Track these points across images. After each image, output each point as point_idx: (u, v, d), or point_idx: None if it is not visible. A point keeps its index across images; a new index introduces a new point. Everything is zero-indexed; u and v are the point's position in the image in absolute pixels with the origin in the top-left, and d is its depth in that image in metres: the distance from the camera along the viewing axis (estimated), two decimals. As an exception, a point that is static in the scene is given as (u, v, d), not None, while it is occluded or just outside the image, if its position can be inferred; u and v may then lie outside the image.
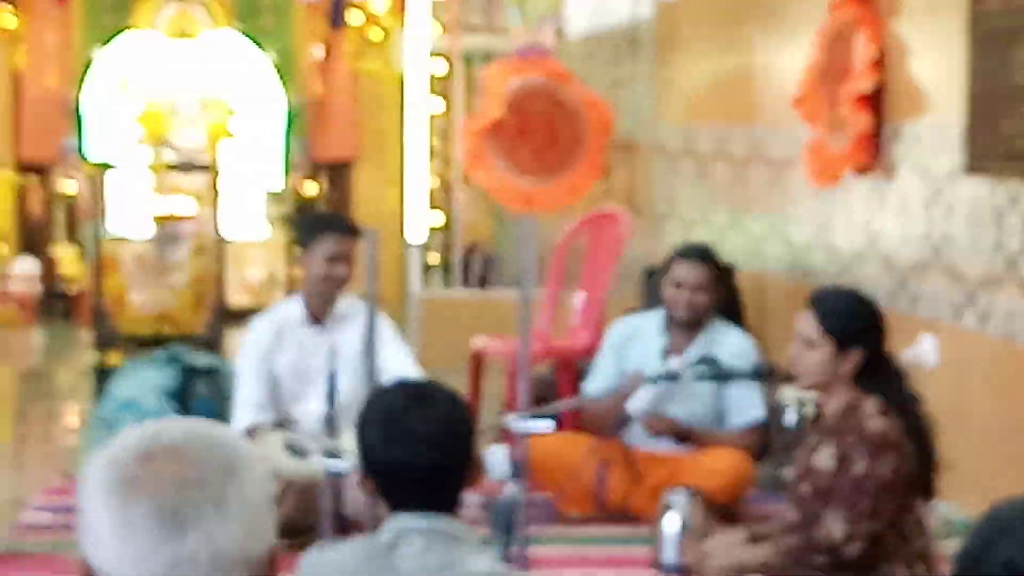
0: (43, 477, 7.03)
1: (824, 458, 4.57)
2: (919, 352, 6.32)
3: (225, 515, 1.70)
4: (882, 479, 4.48)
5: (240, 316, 7.07)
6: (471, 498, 4.26)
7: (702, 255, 6.49)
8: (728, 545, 4.89)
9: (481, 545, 2.93)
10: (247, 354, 6.23)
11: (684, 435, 6.26)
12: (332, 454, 4.52)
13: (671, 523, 5.53)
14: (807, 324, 4.63)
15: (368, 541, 2.93)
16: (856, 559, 4.53)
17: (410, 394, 3.01)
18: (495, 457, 4.13)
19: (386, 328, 6.10)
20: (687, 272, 6.35)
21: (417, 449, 2.88)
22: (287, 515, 5.68)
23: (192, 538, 1.68)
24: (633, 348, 6.44)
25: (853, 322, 4.61)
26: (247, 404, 6.06)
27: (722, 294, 6.47)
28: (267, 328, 6.23)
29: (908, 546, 4.59)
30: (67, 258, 12.58)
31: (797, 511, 4.67)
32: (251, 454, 1.78)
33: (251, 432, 5.90)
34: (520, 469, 4.10)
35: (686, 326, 6.33)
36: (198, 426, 1.78)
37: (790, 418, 6.69)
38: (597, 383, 6.36)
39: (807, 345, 4.61)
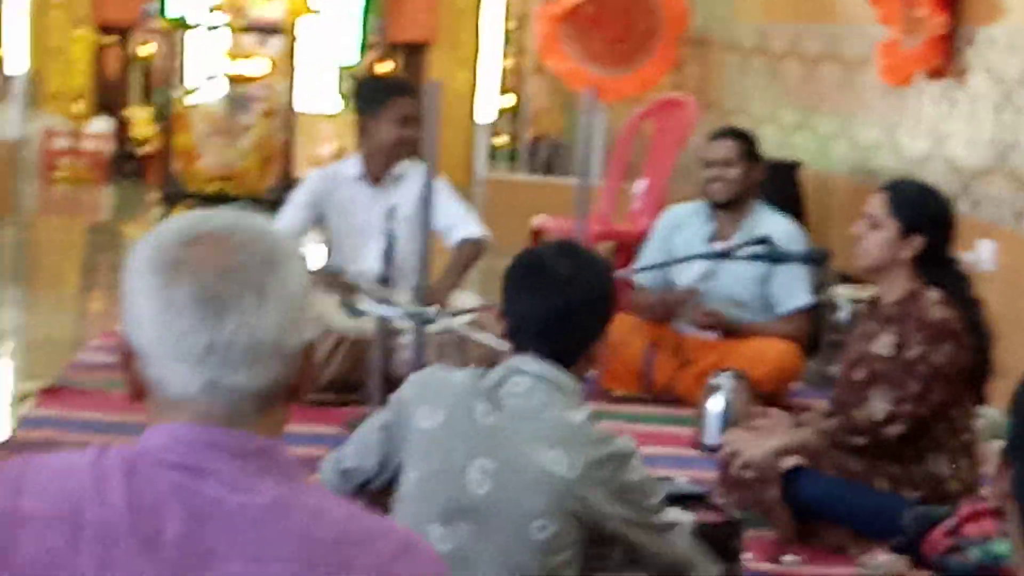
0: (104, 323, 7.16)
1: (882, 345, 4.59)
2: (977, 256, 6.33)
3: (264, 304, 1.73)
4: (935, 366, 4.49)
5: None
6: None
7: (731, 132, 6.52)
8: (767, 428, 4.93)
9: (582, 403, 3.02)
10: (296, 193, 6.25)
11: (731, 328, 6.30)
12: (386, 303, 4.59)
13: (715, 405, 5.60)
14: (876, 204, 4.65)
15: (482, 372, 3.05)
16: (898, 444, 4.56)
17: (563, 247, 3.13)
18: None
19: (444, 187, 6.07)
20: (715, 149, 6.36)
21: (550, 289, 2.97)
22: (337, 371, 5.79)
23: (230, 323, 1.71)
24: (680, 235, 6.44)
25: (921, 209, 4.60)
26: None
27: (779, 184, 6.43)
28: (322, 176, 6.26)
29: (955, 439, 4.62)
30: (140, 119, 12.69)
31: (844, 394, 4.70)
32: (293, 249, 1.80)
33: None
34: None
35: (727, 208, 6.33)
36: (244, 216, 1.81)
37: (842, 315, 6.72)
38: (644, 269, 6.39)
39: (872, 225, 4.63)
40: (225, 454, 1.72)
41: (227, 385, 1.73)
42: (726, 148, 6.33)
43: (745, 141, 6.41)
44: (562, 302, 2.97)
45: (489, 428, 2.93)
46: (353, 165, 6.23)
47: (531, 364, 2.98)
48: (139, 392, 1.78)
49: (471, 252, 6.03)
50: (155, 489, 1.69)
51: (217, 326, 1.71)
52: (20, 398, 5.79)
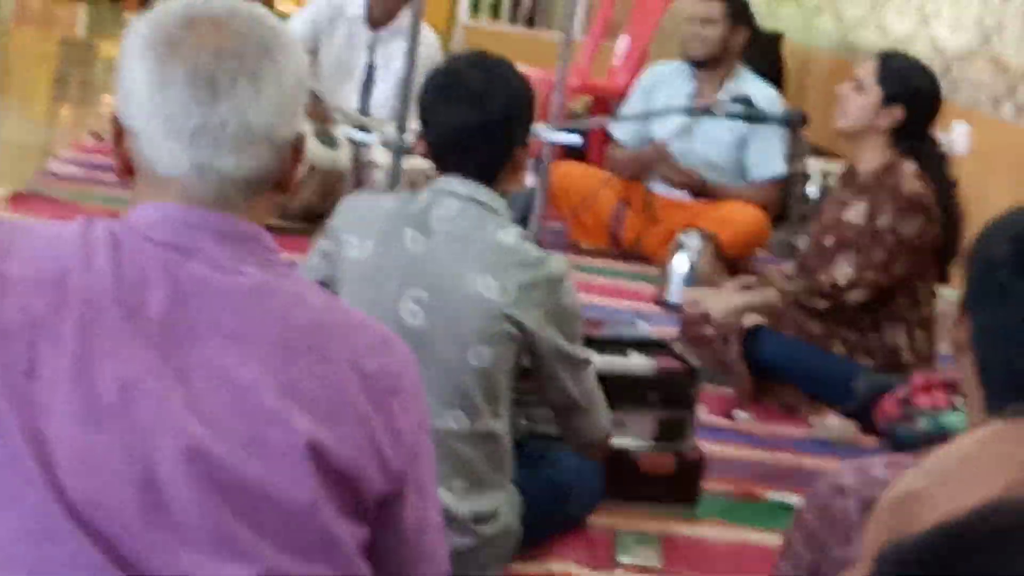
0: (75, 135, 7.12)
1: (854, 212, 4.62)
2: (952, 138, 6.35)
3: (258, 90, 1.72)
4: (903, 237, 4.53)
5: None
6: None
7: None
8: (730, 290, 4.98)
9: (511, 222, 3.01)
10: (299, 13, 6.26)
11: (703, 188, 6.30)
12: (361, 129, 4.58)
13: (680, 263, 5.64)
14: (864, 70, 4.67)
15: (409, 196, 3.03)
16: (858, 312, 4.61)
17: (474, 60, 3.07)
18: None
19: (433, 48, 6.06)
20: (698, 5, 6.31)
21: (465, 104, 2.94)
22: (309, 199, 5.79)
23: (223, 106, 1.71)
24: (661, 92, 6.40)
25: (907, 81, 4.62)
26: None
27: (762, 54, 6.42)
28: (326, 6, 6.24)
29: (914, 312, 4.68)
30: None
31: (812, 259, 4.74)
32: (290, 39, 1.80)
33: None
34: (541, 169, 4.17)
35: (708, 67, 6.28)
36: (243, 4, 1.80)
37: (813, 188, 6.75)
38: (624, 125, 6.40)
39: (857, 88, 4.64)
40: (211, 235, 1.73)
41: (216, 168, 1.73)
42: (709, 6, 6.29)
43: (731, 2, 6.36)
44: (478, 116, 2.93)
45: (420, 256, 2.91)
46: (358, 5, 6.21)
47: (458, 185, 2.96)
48: (127, 169, 1.79)
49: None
50: (141, 263, 1.70)
51: (210, 107, 1.71)
52: (-12, 202, 5.77)
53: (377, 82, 6.00)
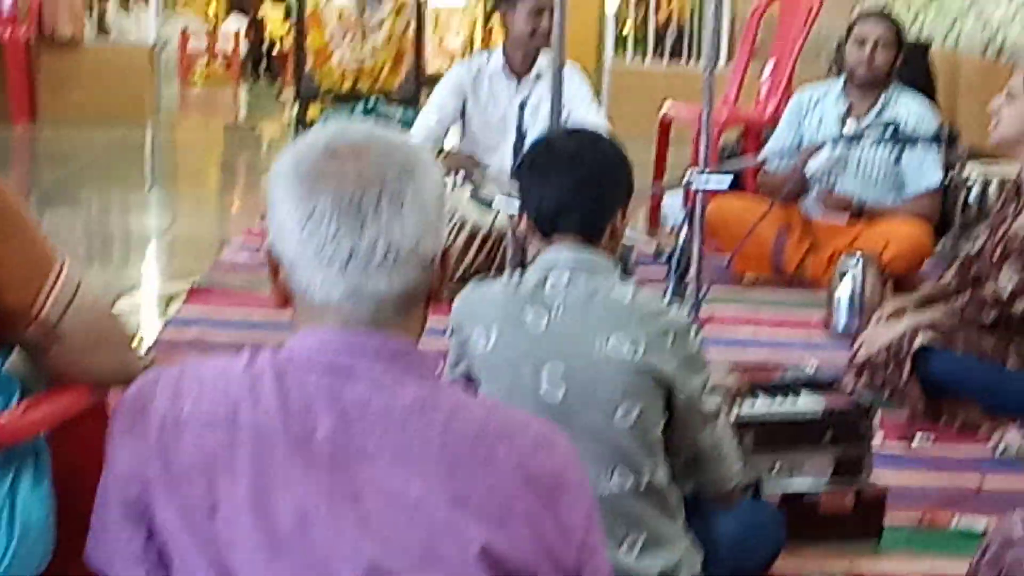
0: (245, 222, 7.32)
1: (1019, 223, 4.57)
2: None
3: (401, 211, 1.79)
4: None
5: (436, 79, 7.19)
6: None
7: (885, 14, 6.47)
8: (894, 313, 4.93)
9: (622, 278, 3.04)
10: (439, 87, 6.44)
11: (859, 210, 6.30)
12: (514, 197, 4.65)
13: (844, 289, 5.63)
14: (1014, 79, 4.64)
15: (519, 277, 3.06)
16: (1025, 319, 4.57)
17: (567, 131, 3.16)
18: (670, 205, 4.19)
19: (581, 85, 6.24)
20: (870, 28, 6.30)
21: (562, 166, 2.97)
22: (473, 263, 5.89)
23: (370, 230, 1.78)
24: (812, 114, 6.45)
25: None
26: (419, 126, 6.29)
27: (910, 65, 6.40)
28: (465, 70, 6.41)
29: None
30: (273, 18, 12.82)
31: (980, 270, 4.69)
32: (428, 158, 1.87)
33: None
34: (695, 217, 4.21)
35: (866, 87, 6.29)
36: (380, 129, 1.88)
37: (974, 193, 6.68)
38: (775, 149, 6.43)
39: (1010, 98, 4.62)
40: (369, 356, 1.80)
41: (369, 291, 1.80)
42: (880, 30, 6.29)
43: (896, 25, 6.38)
44: (573, 176, 2.96)
45: (544, 332, 2.92)
46: (496, 57, 6.37)
47: (564, 253, 2.97)
48: (285, 300, 1.87)
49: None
50: (305, 391, 1.78)
51: (358, 234, 1.78)
52: (167, 299, 5.96)
53: (528, 129, 6.10)
